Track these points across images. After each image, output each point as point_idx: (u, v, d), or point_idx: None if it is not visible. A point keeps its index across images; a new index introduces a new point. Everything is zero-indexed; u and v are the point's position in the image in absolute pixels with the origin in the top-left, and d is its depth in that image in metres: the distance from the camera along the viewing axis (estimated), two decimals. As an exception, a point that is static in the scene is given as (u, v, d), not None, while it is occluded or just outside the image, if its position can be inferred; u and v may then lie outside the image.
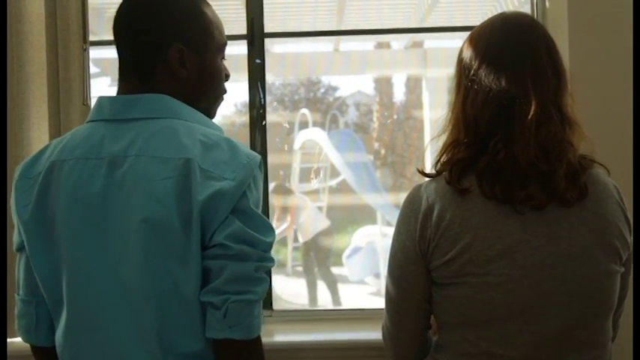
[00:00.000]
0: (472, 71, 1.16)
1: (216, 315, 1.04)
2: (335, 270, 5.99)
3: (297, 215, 5.59)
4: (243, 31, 1.99)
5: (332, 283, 5.72)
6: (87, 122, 1.16)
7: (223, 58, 1.24)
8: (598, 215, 1.11)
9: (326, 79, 9.14)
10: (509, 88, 1.12)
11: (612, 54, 1.74)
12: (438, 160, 1.20)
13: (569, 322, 1.09)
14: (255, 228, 1.06)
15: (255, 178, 1.09)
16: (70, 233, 1.09)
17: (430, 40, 5.92)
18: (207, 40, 1.18)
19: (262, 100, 2.00)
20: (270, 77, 7.16)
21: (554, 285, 1.08)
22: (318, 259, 5.71)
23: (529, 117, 1.09)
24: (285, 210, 5.61)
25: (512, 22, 1.18)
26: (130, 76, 1.16)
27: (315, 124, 6.93)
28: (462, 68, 1.20)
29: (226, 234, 1.03)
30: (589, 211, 1.11)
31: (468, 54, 1.19)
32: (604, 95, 1.71)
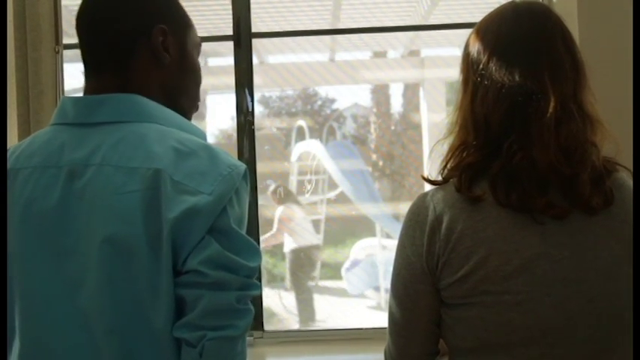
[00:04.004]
0: (481, 65, 1.07)
1: (191, 354, 0.92)
2: (334, 283, 5.96)
3: (285, 226, 5.51)
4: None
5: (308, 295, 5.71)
6: (50, 125, 1.05)
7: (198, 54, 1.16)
8: (626, 223, 1.02)
9: (323, 92, 9.15)
10: (523, 82, 1.03)
11: (624, 47, 1.65)
12: (445, 166, 1.11)
13: (598, 344, 1.00)
14: (237, 251, 0.94)
15: (237, 192, 0.97)
16: (22, 253, 0.97)
17: (427, 49, 5.92)
18: (187, 28, 1.11)
19: (250, 104, 1.90)
20: (266, 90, 7.15)
21: (580, 303, 0.99)
22: (303, 272, 5.67)
23: (547, 115, 1.01)
24: (278, 221, 5.55)
25: (524, 10, 1.10)
26: (101, 72, 1.04)
27: (312, 136, 6.95)
28: (469, 63, 1.11)
29: (202, 259, 0.91)
30: (615, 219, 1.02)
31: (475, 47, 1.10)
32: (616, 91, 1.63)
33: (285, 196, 5.71)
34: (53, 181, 0.96)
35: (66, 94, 1.70)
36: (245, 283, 0.95)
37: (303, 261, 5.67)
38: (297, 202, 5.87)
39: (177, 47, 1.07)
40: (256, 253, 0.97)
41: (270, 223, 5.52)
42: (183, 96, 1.09)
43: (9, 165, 1.01)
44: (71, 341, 0.94)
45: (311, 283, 5.88)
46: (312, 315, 5.63)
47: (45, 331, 0.95)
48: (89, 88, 1.05)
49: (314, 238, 5.75)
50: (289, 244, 5.55)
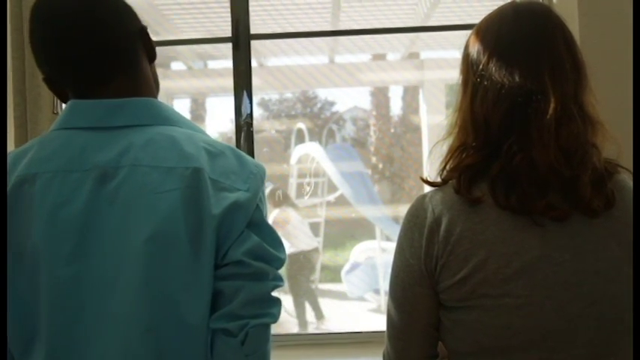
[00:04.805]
0: (481, 66, 1.06)
1: (231, 343, 0.94)
2: (334, 286, 5.93)
3: (280, 229, 5.50)
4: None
5: (312, 297, 5.71)
6: (56, 130, 1.03)
7: None
8: (627, 226, 1.00)
9: (322, 95, 9.14)
10: (523, 83, 1.02)
11: (625, 47, 1.64)
12: (444, 167, 1.10)
13: (599, 348, 0.98)
14: (271, 243, 1.00)
15: (263, 190, 1.04)
16: (51, 259, 0.94)
17: (427, 51, 5.91)
18: None
19: (249, 106, 1.89)
20: (266, 92, 7.14)
21: (581, 306, 0.98)
22: (301, 276, 5.64)
23: (548, 115, 0.99)
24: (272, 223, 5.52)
25: (525, 11, 1.08)
26: (111, 75, 1.03)
27: (311, 139, 6.95)
28: (469, 64, 1.10)
29: (244, 250, 0.96)
30: (617, 221, 1.01)
31: (475, 48, 1.09)
32: (617, 92, 1.61)
33: (283, 200, 5.70)
34: (79, 185, 0.95)
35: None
36: (276, 275, 1.00)
37: (301, 264, 5.64)
38: (294, 206, 5.84)
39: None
40: (283, 246, 1.03)
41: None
42: (159, 88, 1.13)
43: (20, 171, 0.98)
44: (105, 344, 0.93)
45: (312, 286, 5.86)
46: (320, 314, 5.60)
47: (77, 336, 0.94)
48: (96, 93, 1.02)
49: (312, 242, 5.73)
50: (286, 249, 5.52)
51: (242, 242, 0.96)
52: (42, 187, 0.96)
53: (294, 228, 5.51)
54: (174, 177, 0.95)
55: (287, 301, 5.68)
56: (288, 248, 5.47)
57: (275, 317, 0.99)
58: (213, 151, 1.00)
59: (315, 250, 5.77)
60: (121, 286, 0.93)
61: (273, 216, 5.47)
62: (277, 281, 1.01)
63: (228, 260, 0.96)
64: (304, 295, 5.67)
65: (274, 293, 1.01)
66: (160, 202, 0.94)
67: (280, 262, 1.01)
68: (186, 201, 0.94)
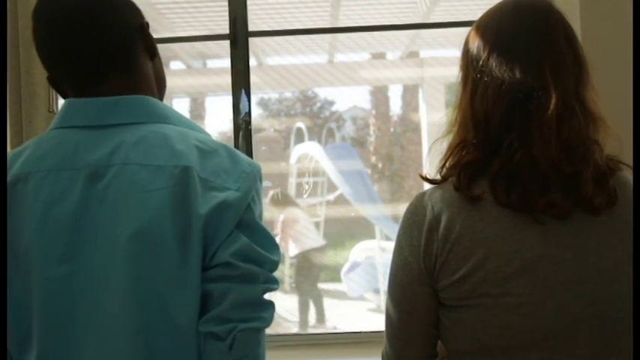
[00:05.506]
0: (481, 62, 1.05)
1: (219, 347, 0.93)
2: (334, 286, 5.92)
3: (290, 230, 5.49)
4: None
5: (317, 298, 5.68)
6: (53, 129, 1.02)
7: None
8: (629, 223, 0.99)
9: (322, 94, 9.15)
10: (524, 79, 1.01)
11: (627, 44, 1.63)
12: (444, 165, 1.09)
13: (600, 348, 0.97)
14: (262, 244, 0.97)
15: (257, 189, 1.01)
16: (43, 260, 0.94)
17: (426, 50, 5.90)
18: None
19: (247, 104, 1.88)
20: (265, 92, 7.13)
21: (583, 306, 0.97)
22: (309, 276, 5.63)
23: (549, 112, 0.98)
24: (276, 224, 5.52)
25: (525, 6, 1.07)
26: (107, 73, 1.02)
27: (311, 138, 6.94)
28: (468, 59, 1.09)
29: (232, 251, 0.94)
30: (619, 219, 0.99)
31: (475, 43, 1.08)
32: (619, 89, 1.60)
33: (282, 199, 5.69)
34: (70, 184, 0.95)
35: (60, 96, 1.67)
36: (269, 277, 0.98)
37: (310, 263, 5.64)
38: (296, 205, 5.84)
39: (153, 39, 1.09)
40: (277, 247, 1.00)
41: (268, 225, 5.45)
42: (164, 86, 1.12)
43: (15, 171, 0.97)
44: (96, 345, 0.93)
45: (318, 287, 5.85)
46: (322, 318, 5.59)
47: (68, 336, 0.93)
48: (92, 91, 1.01)
49: (320, 239, 5.74)
50: (293, 249, 5.53)
51: (230, 243, 0.94)
52: (35, 186, 0.95)
53: (303, 227, 5.51)
54: (163, 175, 0.94)
55: (290, 300, 5.68)
56: (296, 248, 5.48)
57: (266, 321, 0.97)
58: (206, 149, 0.98)
59: (322, 247, 5.77)
60: (111, 285, 0.92)
61: (281, 217, 5.47)
62: (270, 284, 0.98)
63: (216, 262, 0.94)
64: (309, 295, 5.65)
65: (267, 296, 0.99)
66: (148, 201, 0.93)
67: (273, 265, 0.99)
68: (174, 200, 0.93)
